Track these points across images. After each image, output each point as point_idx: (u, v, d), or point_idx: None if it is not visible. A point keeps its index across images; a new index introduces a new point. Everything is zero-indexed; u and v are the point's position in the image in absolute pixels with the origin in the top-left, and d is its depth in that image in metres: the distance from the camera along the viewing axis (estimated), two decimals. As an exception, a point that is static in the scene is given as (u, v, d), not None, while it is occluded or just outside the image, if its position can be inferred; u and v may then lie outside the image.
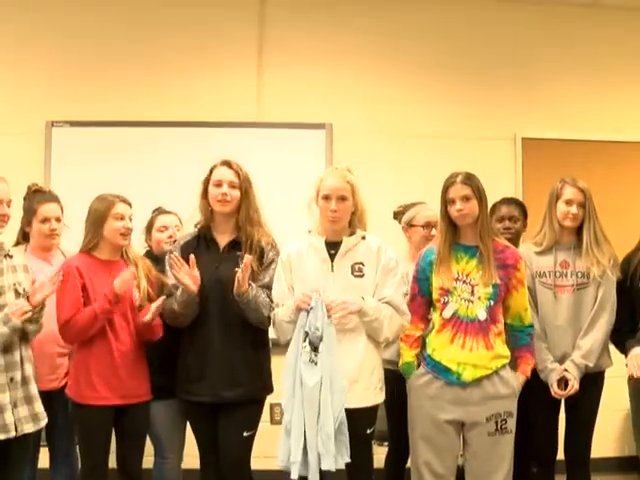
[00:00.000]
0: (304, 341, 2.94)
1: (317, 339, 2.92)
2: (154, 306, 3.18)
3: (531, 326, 3.29)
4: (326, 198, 3.08)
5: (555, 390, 3.34)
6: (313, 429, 2.90)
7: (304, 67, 4.96)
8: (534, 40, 5.09)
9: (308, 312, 2.96)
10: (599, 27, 5.12)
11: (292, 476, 2.92)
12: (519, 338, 3.26)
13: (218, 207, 3.24)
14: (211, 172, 3.29)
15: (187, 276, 3.11)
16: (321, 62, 4.99)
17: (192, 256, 3.14)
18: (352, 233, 3.15)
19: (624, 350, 3.43)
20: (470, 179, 3.19)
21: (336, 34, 4.98)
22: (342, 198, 3.08)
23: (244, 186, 3.26)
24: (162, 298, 3.21)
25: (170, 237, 3.59)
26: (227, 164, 3.28)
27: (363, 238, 3.15)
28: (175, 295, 3.19)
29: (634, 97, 5.12)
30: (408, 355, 3.25)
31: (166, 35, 4.91)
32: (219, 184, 3.23)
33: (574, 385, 3.32)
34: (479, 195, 3.17)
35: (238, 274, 3.05)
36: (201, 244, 3.28)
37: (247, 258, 3.07)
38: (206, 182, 3.28)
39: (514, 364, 3.26)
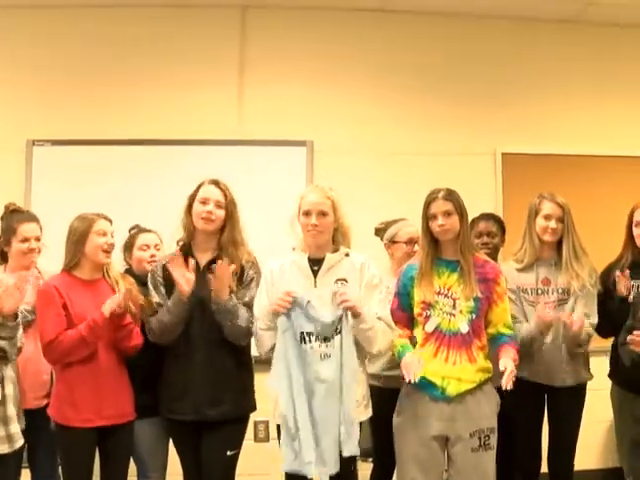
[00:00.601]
0: (308, 341, 2.97)
1: (329, 329, 2.96)
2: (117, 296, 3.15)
3: (511, 333, 3.24)
4: (307, 214, 3.11)
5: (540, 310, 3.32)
6: (335, 419, 2.94)
7: (285, 84, 4.97)
8: (513, 57, 5.14)
9: (288, 315, 2.98)
10: (578, 44, 5.17)
11: (309, 477, 2.95)
12: (498, 339, 3.22)
13: (201, 225, 3.23)
14: (198, 189, 3.28)
15: (182, 276, 3.11)
16: (302, 80, 5.01)
17: (191, 260, 3.15)
18: (335, 250, 3.16)
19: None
20: (451, 195, 3.21)
21: (317, 52, 5.01)
22: (322, 213, 3.09)
23: (230, 207, 3.26)
24: (127, 288, 3.20)
25: (152, 256, 3.58)
26: (215, 183, 3.28)
27: (347, 255, 3.15)
28: (164, 308, 3.17)
29: (613, 112, 5.17)
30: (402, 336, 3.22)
31: (148, 53, 4.92)
32: (205, 202, 3.23)
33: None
34: (460, 211, 3.20)
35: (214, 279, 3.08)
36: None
37: (226, 264, 3.08)
38: (192, 198, 3.28)
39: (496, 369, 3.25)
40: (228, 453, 3.18)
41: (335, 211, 3.13)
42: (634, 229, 3.55)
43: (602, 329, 3.52)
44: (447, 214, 3.18)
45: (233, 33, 4.99)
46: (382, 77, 5.04)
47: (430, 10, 5.03)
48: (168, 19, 4.93)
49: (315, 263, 3.12)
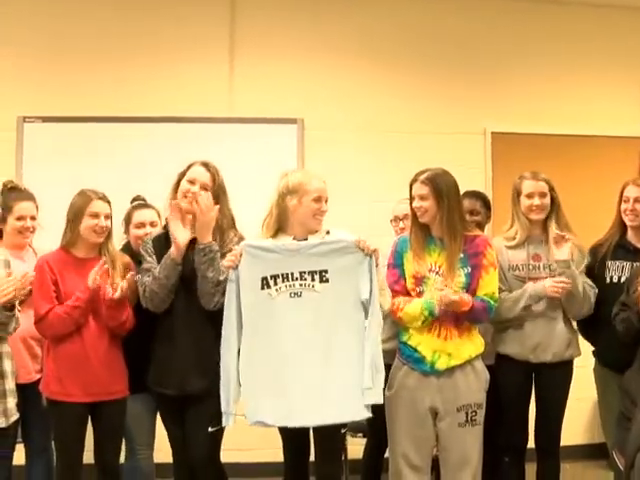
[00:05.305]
0: (266, 287, 3.02)
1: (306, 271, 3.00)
2: (122, 284, 3.16)
3: (489, 301, 3.19)
4: (317, 200, 3.14)
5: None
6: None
7: (275, 62, 4.97)
8: (503, 36, 5.16)
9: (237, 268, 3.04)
10: (568, 23, 5.19)
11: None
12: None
13: (184, 203, 3.20)
14: (188, 168, 3.25)
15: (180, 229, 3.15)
16: (292, 57, 5.01)
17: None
18: (316, 231, 3.17)
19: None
20: (431, 179, 3.18)
21: (307, 30, 5.01)
22: (326, 201, 3.16)
23: (217, 192, 3.21)
24: (131, 273, 3.21)
25: (147, 234, 3.58)
26: (205, 165, 3.24)
27: (327, 232, 3.18)
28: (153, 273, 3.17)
29: (602, 92, 5.20)
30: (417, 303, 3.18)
31: (138, 31, 4.90)
32: (193, 182, 3.20)
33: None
34: (438, 195, 3.16)
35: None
36: (169, 239, 3.24)
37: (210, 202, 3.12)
38: (181, 177, 3.25)
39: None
40: (210, 429, 3.15)
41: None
42: (622, 204, 3.58)
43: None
44: (421, 198, 3.19)
45: (223, 11, 4.97)
46: (373, 56, 5.04)
47: (421, -11, 5.04)
48: (159, -4, 4.92)
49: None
